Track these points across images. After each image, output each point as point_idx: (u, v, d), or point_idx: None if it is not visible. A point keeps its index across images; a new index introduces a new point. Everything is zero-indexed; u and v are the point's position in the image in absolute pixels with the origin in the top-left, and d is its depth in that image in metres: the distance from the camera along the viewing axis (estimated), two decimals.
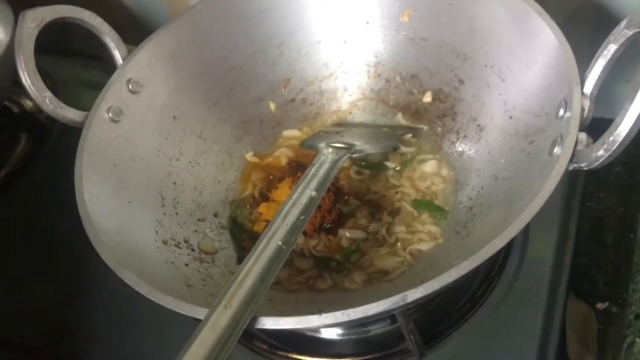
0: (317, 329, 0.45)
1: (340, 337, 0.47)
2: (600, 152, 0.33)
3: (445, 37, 0.50)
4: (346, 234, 0.47)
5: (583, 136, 0.35)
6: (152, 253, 0.42)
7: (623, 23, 0.36)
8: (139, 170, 0.46)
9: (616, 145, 0.32)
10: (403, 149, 0.51)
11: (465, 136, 0.49)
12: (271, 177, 0.52)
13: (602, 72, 0.37)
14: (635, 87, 0.32)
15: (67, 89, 0.66)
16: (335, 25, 0.54)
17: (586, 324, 0.48)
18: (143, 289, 0.35)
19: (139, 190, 0.45)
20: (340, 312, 0.32)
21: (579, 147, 0.35)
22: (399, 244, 0.46)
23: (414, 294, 0.32)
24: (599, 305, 0.49)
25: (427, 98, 0.52)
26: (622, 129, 0.32)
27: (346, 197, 0.49)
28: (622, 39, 0.36)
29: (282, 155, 0.53)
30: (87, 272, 0.50)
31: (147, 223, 0.44)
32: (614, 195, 0.54)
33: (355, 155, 0.49)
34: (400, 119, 0.53)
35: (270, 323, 0.33)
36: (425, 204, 0.47)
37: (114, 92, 0.46)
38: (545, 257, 0.46)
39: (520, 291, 0.45)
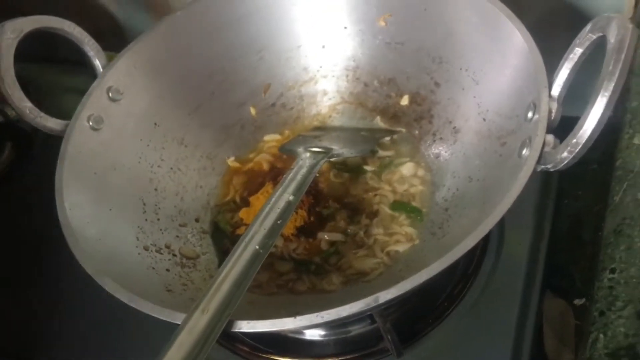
0: (296, 331, 0.46)
1: (322, 338, 0.47)
2: (565, 154, 0.34)
3: (421, 41, 0.50)
4: (325, 236, 0.47)
5: (550, 138, 0.36)
6: (133, 259, 0.43)
7: (587, 27, 0.37)
8: (121, 178, 0.47)
9: (579, 147, 0.33)
10: (381, 152, 0.52)
11: (441, 138, 0.50)
12: (252, 181, 0.52)
13: (569, 75, 0.38)
14: (596, 91, 0.33)
15: (53, 96, 0.66)
16: (314, 30, 0.54)
17: (563, 320, 0.49)
18: (122, 295, 0.36)
19: (120, 197, 0.46)
20: (315, 314, 0.33)
21: (546, 148, 0.36)
22: (376, 245, 0.46)
23: (385, 295, 0.32)
24: (576, 302, 0.49)
25: (405, 101, 0.53)
26: (585, 131, 0.33)
27: (326, 200, 0.49)
28: (587, 43, 0.37)
29: (263, 160, 0.54)
30: (71, 279, 0.50)
31: (128, 229, 0.45)
32: (590, 193, 0.55)
33: (333, 159, 0.49)
34: (379, 122, 0.54)
35: (246, 326, 0.34)
36: (402, 206, 0.48)
37: (94, 101, 0.47)
38: (520, 255, 0.47)
39: (496, 289, 0.46)
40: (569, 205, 0.55)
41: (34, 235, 0.56)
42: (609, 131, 0.43)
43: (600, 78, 0.33)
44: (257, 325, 0.33)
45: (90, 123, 0.46)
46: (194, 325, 0.33)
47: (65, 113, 0.47)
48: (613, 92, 0.32)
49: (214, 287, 0.35)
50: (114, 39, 0.53)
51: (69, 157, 0.44)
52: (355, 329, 0.47)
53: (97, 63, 0.49)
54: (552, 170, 0.36)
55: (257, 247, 0.38)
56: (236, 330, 0.34)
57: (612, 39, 0.33)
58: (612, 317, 0.33)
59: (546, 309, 0.49)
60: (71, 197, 0.42)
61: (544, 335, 0.48)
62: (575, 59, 0.38)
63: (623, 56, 0.32)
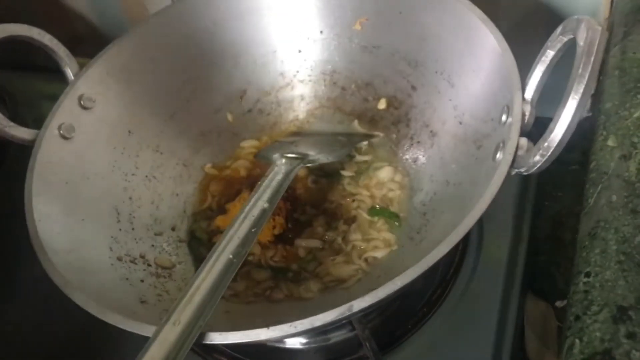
0: (274, 340, 0.46)
1: (302, 346, 0.47)
2: (537, 158, 0.34)
3: (397, 44, 0.50)
4: (303, 243, 0.47)
5: (524, 141, 0.36)
6: (105, 270, 0.42)
7: (558, 29, 0.37)
8: (93, 187, 0.46)
9: (551, 150, 0.33)
10: (358, 157, 0.51)
11: (419, 142, 0.50)
12: (230, 188, 0.52)
13: (542, 77, 0.38)
14: (567, 93, 0.32)
15: (29, 104, 0.66)
16: (290, 35, 0.54)
17: (545, 322, 0.49)
18: (91, 308, 0.35)
19: (93, 207, 0.45)
20: (288, 324, 0.32)
21: (520, 152, 0.36)
22: (354, 252, 0.46)
23: (359, 304, 0.32)
24: (558, 303, 0.49)
25: (382, 105, 0.52)
26: (556, 135, 0.33)
27: (303, 207, 0.49)
28: (559, 45, 0.37)
29: (241, 167, 0.53)
30: (47, 290, 0.50)
31: (102, 240, 0.44)
32: (571, 194, 0.55)
33: (309, 164, 0.49)
34: (356, 126, 0.53)
35: (218, 338, 0.33)
36: (381, 211, 0.48)
37: (65, 109, 0.46)
38: (499, 258, 0.47)
39: (475, 293, 0.46)
40: (550, 207, 0.55)
41: (7, 246, 0.55)
42: (589, 131, 0.43)
43: (569, 81, 0.33)
44: (229, 336, 0.33)
45: (61, 132, 0.45)
46: (164, 338, 0.32)
47: (42, 121, 0.46)
48: (583, 94, 0.32)
49: (185, 298, 0.34)
50: (92, 44, 0.52)
51: (39, 167, 0.43)
52: (335, 336, 0.46)
53: (68, 70, 0.48)
54: (525, 173, 0.35)
55: (231, 256, 0.38)
56: (208, 342, 0.33)
57: (581, 41, 0.33)
58: (588, 322, 0.32)
59: (528, 311, 0.49)
60: (41, 207, 0.41)
61: (525, 338, 0.48)
62: (548, 62, 0.37)
63: (592, 59, 0.32)
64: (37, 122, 0.46)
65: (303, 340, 0.47)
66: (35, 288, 0.51)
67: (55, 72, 0.51)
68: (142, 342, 0.32)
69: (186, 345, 0.32)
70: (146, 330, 0.33)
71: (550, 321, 0.49)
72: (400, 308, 0.46)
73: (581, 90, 0.32)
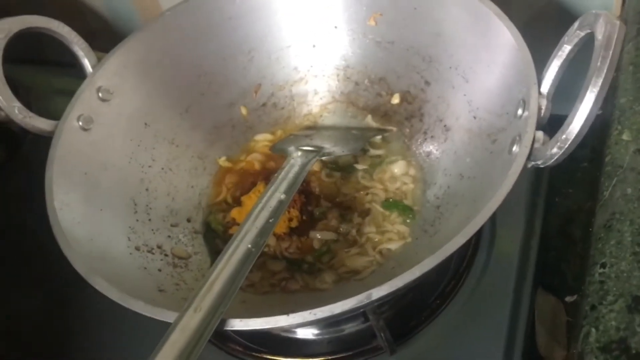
0: (289, 329, 0.46)
1: (315, 337, 0.47)
2: (555, 150, 0.34)
3: (411, 40, 0.51)
4: (317, 235, 0.47)
5: (540, 135, 0.37)
6: (124, 259, 0.42)
7: (576, 24, 0.37)
8: (111, 178, 0.47)
9: (569, 143, 0.34)
10: (372, 151, 0.52)
11: (432, 137, 0.50)
12: (244, 181, 0.52)
13: (558, 72, 0.38)
14: (584, 87, 0.33)
15: (42, 98, 0.66)
16: (304, 30, 0.54)
17: (555, 317, 0.49)
18: (114, 294, 0.36)
19: (111, 198, 0.46)
20: (308, 311, 0.32)
21: (536, 145, 0.36)
22: (369, 244, 0.46)
23: (378, 292, 0.32)
24: (568, 299, 0.50)
25: (395, 100, 0.53)
26: (574, 127, 0.33)
27: (317, 200, 0.49)
28: (576, 40, 0.37)
29: (255, 160, 0.53)
30: (64, 280, 0.50)
31: (120, 230, 0.45)
32: (581, 191, 0.55)
33: (324, 157, 0.49)
34: (370, 121, 0.54)
35: (239, 324, 0.33)
36: (394, 204, 0.48)
37: (84, 101, 0.47)
38: (511, 252, 0.47)
39: (488, 286, 0.46)
40: (560, 204, 0.55)
41: (24, 236, 0.55)
42: (599, 128, 0.44)
43: (588, 74, 0.33)
44: (250, 323, 0.33)
45: (80, 123, 0.46)
46: (186, 324, 0.33)
47: (54, 115, 0.47)
48: (601, 88, 0.32)
49: (206, 285, 0.35)
50: (104, 39, 0.53)
51: (59, 158, 0.43)
52: (349, 327, 0.46)
53: (87, 63, 0.49)
54: (542, 166, 0.36)
55: (249, 245, 0.38)
56: (229, 328, 0.34)
57: (599, 35, 0.33)
58: (604, 311, 0.33)
59: (538, 305, 0.49)
60: (61, 197, 0.41)
61: (536, 332, 0.48)
62: (564, 56, 0.38)
63: (610, 52, 0.32)
64: (50, 115, 0.47)
65: (315, 331, 0.47)
66: (51, 276, 0.52)
67: (67, 67, 0.52)
68: (157, 335, 0.32)
69: (207, 331, 0.33)
70: (168, 316, 0.34)
71: (560, 316, 0.49)
72: (414, 299, 0.46)
73: (599, 84, 0.32)
